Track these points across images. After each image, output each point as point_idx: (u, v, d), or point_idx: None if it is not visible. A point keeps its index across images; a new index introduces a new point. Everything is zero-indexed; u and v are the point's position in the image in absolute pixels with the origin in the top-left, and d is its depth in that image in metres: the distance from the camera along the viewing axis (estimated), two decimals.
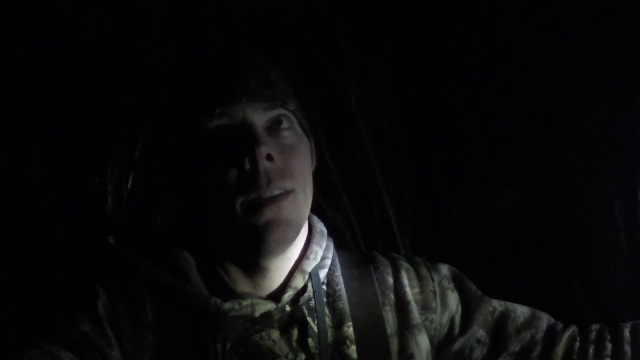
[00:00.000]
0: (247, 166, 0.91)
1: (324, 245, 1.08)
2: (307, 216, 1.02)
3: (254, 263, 0.98)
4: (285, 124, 0.99)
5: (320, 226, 1.12)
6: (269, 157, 0.93)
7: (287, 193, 0.94)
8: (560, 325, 1.12)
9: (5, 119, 1.68)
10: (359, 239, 1.87)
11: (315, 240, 1.07)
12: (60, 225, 1.63)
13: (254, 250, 0.94)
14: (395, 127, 2.03)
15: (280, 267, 1.00)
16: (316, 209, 1.15)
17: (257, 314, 0.96)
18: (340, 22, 1.95)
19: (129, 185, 1.78)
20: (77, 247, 1.50)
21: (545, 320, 1.12)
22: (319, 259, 1.05)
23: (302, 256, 1.04)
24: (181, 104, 0.99)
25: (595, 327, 1.11)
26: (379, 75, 2.00)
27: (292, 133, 1.00)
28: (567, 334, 1.09)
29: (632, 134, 1.77)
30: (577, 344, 1.08)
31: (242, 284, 0.99)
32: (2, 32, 1.66)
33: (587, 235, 2.08)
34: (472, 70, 2.01)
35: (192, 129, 0.95)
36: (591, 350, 1.07)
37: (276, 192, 0.93)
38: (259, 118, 0.96)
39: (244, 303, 0.95)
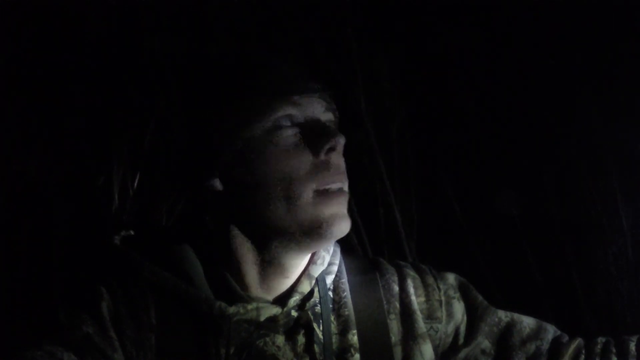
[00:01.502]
0: (323, 157, 0.93)
1: (331, 251, 1.07)
2: None
3: (287, 260, 0.97)
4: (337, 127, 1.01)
5: None
6: (340, 151, 0.96)
7: (347, 191, 0.96)
8: (566, 337, 1.11)
9: (11, 116, 1.68)
10: (365, 242, 1.87)
11: None
12: (64, 225, 1.63)
13: (312, 241, 0.94)
14: (402, 131, 2.03)
15: (294, 270, 1.00)
16: None
17: (262, 318, 0.95)
18: (348, 25, 1.94)
19: (134, 184, 1.77)
20: (81, 247, 1.49)
21: (551, 332, 1.11)
22: (326, 264, 1.05)
23: (310, 261, 1.03)
24: (244, 92, 0.96)
25: (601, 339, 1.10)
26: (387, 79, 2.00)
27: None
28: (572, 346, 1.08)
29: (638, 140, 1.77)
30: (583, 356, 1.08)
31: (247, 287, 0.98)
32: (9, 29, 1.66)
33: (593, 242, 2.08)
34: (479, 74, 2.01)
35: (261, 117, 0.94)
36: None
37: (343, 187, 0.95)
38: (325, 115, 0.98)
39: (249, 307, 0.94)
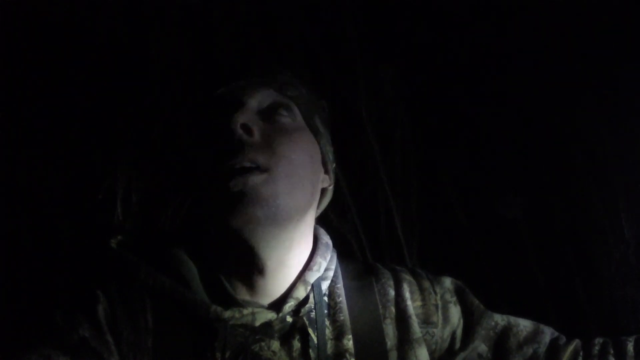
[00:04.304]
0: (223, 135, 0.95)
1: (328, 258, 1.07)
2: (300, 209, 0.99)
3: (246, 256, 0.97)
4: (283, 112, 1.01)
5: (326, 239, 1.11)
6: (247, 130, 0.96)
7: (260, 170, 0.94)
8: (563, 339, 1.11)
9: (14, 119, 1.68)
10: (365, 248, 1.87)
11: (320, 252, 1.06)
12: (63, 228, 1.62)
13: (229, 220, 0.93)
14: (404, 136, 2.03)
15: (279, 272, 1.00)
16: (323, 217, 1.15)
17: (257, 323, 0.95)
18: (350, 32, 1.95)
19: (137, 188, 1.77)
20: (79, 250, 1.49)
21: (548, 334, 1.11)
22: (322, 271, 1.04)
23: (306, 267, 1.03)
24: (194, 91, 1.04)
25: (598, 340, 1.10)
26: (389, 85, 2.00)
27: (290, 121, 1.02)
28: (570, 349, 1.08)
29: None
30: (580, 358, 1.08)
31: (243, 292, 0.99)
32: (14, 31, 1.67)
33: (595, 248, 2.07)
34: (481, 79, 2.01)
35: (197, 110, 1.00)
36: None
37: (246, 164, 0.93)
38: (254, 100, 1.00)
39: (245, 312, 0.94)
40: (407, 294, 1.09)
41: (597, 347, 1.08)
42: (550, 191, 2.06)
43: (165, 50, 1.80)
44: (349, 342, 1.00)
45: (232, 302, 0.96)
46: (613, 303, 2.08)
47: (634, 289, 2.04)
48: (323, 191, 1.11)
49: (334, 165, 1.12)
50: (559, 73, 1.92)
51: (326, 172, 1.09)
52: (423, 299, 1.10)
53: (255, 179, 0.93)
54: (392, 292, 1.09)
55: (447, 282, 1.14)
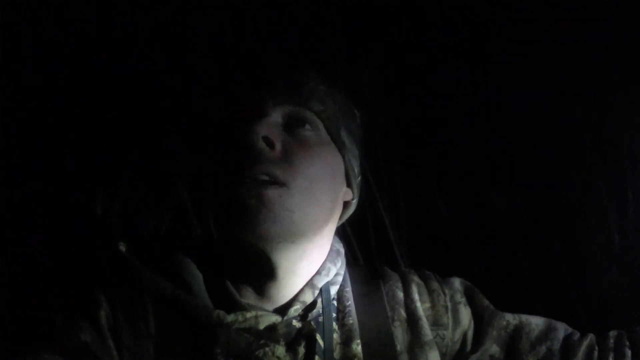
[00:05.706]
0: (242, 146, 0.93)
1: (338, 264, 1.06)
2: (316, 225, 0.97)
3: (257, 265, 0.95)
4: (307, 126, 0.99)
5: (338, 246, 1.10)
6: (268, 142, 0.94)
7: (276, 184, 0.92)
8: (577, 335, 1.10)
9: (9, 122, 1.65)
10: (355, 249, 1.85)
11: (330, 258, 1.05)
12: (64, 231, 1.60)
13: (242, 234, 0.92)
14: (387, 135, 2.01)
15: (289, 280, 0.98)
16: None
17: (261, 327, 0.93)
18: (328, 30, 1.93)
19: (134, 191, 1.74)
20: (81, 254, 1.47)
21: (561, 331, 1.10)
22: (331, 275, 1.03)
23: (315, 272, 1.02)
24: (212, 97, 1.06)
25: (612, 334, 1.09)
26: (369, 83, 1.98)
27: (314, 135, 1.00)
28: (584, 344, 1.07)
29: (622, 130, 1.78)
30: (596, 353, 1.07)
31: (250, 296, 0.97)
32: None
33: (579, 233, 2.08)
34: (464, 70, 2.00)
35: (215, 116, 1.00)
36: (610, 358, 1.06)
37: (262, 177, 0.92)
38: (277, 113, 0.98)
39: (248, 315, 0.93)
40: (416, 296, 1.08)
41: (611, 340, 1.08)
42: (534, 181, 2.07)
43: (148, 52, 1.77)
44: (357, 347, 0.98)
45: (236, 307, 0.94)
46: (599, 287, 2.10)
47: (618, 273, 2.06)
48: (345, 204, 1.09)
49: (359, 178, 1.10)
50: (542, 64, 1.92)
51: (349, 185, 1.07)
52: (432, 301, 1.09)
53: (272, 192, 0.91)
54: (400, 295, 1.07)
55: (457, 282, 1.13)
